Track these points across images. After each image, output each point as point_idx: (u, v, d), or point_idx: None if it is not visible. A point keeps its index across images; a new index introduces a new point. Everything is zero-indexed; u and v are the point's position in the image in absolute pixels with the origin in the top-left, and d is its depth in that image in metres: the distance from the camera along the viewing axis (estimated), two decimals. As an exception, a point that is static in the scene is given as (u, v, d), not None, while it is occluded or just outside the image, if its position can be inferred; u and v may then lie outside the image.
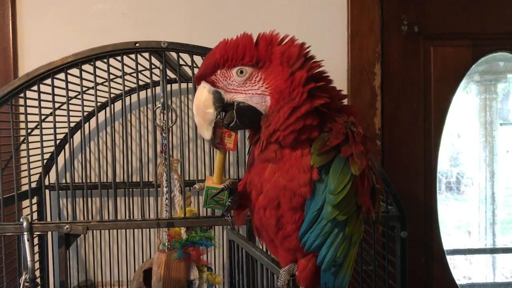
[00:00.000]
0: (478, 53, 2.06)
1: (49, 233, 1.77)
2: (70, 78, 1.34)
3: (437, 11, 2.04)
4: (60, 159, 1.86)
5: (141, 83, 1.69)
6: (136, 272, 1.67)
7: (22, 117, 1.40)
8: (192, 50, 1.35)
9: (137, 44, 1.33)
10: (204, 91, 0.93)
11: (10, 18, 1.91)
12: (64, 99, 1.38)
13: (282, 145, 0.91)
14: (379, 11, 2.01)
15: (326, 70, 0.96)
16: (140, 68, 1.40)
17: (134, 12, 1.97)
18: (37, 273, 1.71)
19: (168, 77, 1.60)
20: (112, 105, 1.39)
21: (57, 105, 1.36)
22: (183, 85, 1.58)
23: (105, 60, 1.35)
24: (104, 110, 1.79)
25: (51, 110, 1.37)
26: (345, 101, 1.00)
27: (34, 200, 1.70)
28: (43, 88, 1.34)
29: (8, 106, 1.32)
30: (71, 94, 1.35)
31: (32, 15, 1.95)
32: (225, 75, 0.92)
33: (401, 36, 2.04)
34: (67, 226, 1.31)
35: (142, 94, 1.82)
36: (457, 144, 2.78)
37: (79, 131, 1.79)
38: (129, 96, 1.85)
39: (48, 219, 1.80)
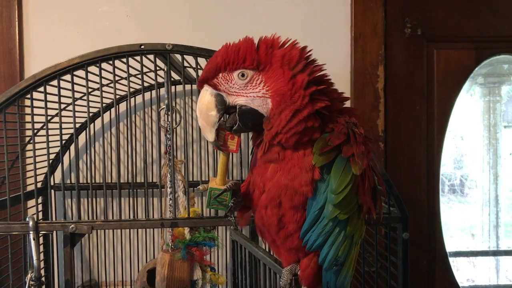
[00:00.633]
0: (481, 56, 2.06)
1: (54, 233, 1.78)
2: (75, 80, 1.36)
3: (440, 13, 2.05)
4: (66, 160, 1.87)
5: (145, 84, 1.70)
6: (139, 272, 1.68)
7: (28, 118, 1.41)
8: (197, 52, 1.36)
9: (142, 46, 1.34)
10: (206, 94, 0.95)
11: (17, 20, 1.93)
12: (69, 100, 1.39)
13: (285, 147, 0.92)
14: (383, 13, 2.01)
15: (329, 72, 0.97)
16: (145, 70, 1.41)
17: (138, 14, 1.98)
18: (42, 272, 1.73)
19: (172, 79, 1.61)
20: (117, 106, 1.40)
21: (63, 106, 1.37)
22: (187, 87, 1.59)
23: (111, 62, 1.36)
24: (109, 111, 1.81)
25: (57, 111, 1.38)
26: (348, 103, 1.01)
27: (40, 200, 1.72)
28: (49, 89, 1.35)
29: (15, 107, 1.34)
30: (77, 95, 1.37)
31: (38, 17, 1.97)
32: (226, 78, 0.94)
33: (405, 38, 2.05)
34: (72, 225, 1.32)
35: (147, 95, 1.84)
36: (461, 147, 2.77)
37: (85, 131, 1.81)
38: (134, 98, 1.87)
39: (53, 219, 1.81)
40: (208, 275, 1.56)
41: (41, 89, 1.34)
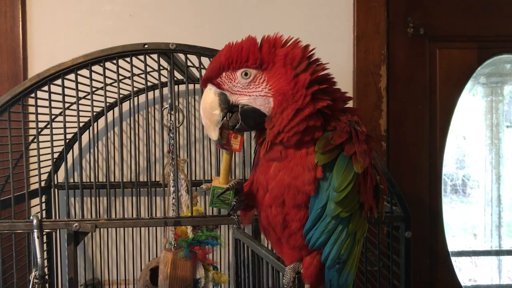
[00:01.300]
0: (483, 56, 2.06)
1: (58, 231, 1.79)
2: (79, 79, 1.36)
3: (443, 13, 2.05)
4: (69, 159, 1.88)
5: (149, 84, 1.71)
6: (143, 270, 1.69)
7: (32, 117, 1.42)
8: (200, 51, 1.36)
9: (145, 46, 1.35)
10: (210, 93, 0.96)
11: (21, 20, 1.94)
12: (73, 100, 1.40)
13: (286, 146, 0.93)
14: (385, 13, 2.02)
15: (332, 72, 0.97)
16: (148, 69, 1.42)
17: (142, 14, 1.99)
18: (46, 270, 1.73)
19: (175, 78, 1.62)
20: (120, 106, 1.41)
21: (66, 105, 1.38)
22: (191, 86, 1.60)
23: (114, 61, 1.37)
24: (112, 110, 1.82)
25: (60, 110, 1.39)
26: (350, 103, 1.02)
27: (43, 199, 1.72)
28: (53, 88, 1.36)
29: (19, 106, 1.34)
30: (81, 94, 1.37)
31: (41, 17, 1.97)
32: (230, 77, 0.94)
33: (407, 38, 2.05)
34: (76, 224, 1.33)
35: (150, 95, 1.84)
36: (463, 147, 2.77)
37: (88, 130, 1.82)
38: (137, 97, 1.88)
39: (57, 217, 1.81)
40: (211, 274, 1.56)
41: (45, 88, 1.35)
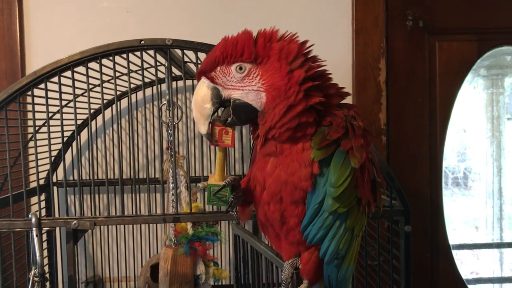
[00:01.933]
0: (483, 48, 2.05)
1: (57, 229, 1.79)
2: (76, 76, 1.36)
3: (442, 5, 2.03)
4: (68, 156, 1.87)
5: (146, 80, 1.71)
6: (143, 267, 1.69)
7: (30, 115, 1.41)
8: (197, 47, 1.35)
9: (142, 42, 1.34)
10: (203, 87, 0.95)
11: (17, 17, 1.93)
12: (71, 97, 1.39)
13: (279, 141, 0.92)
14: (384, 6, 2.00)
15: (331, 66, 0.97)
16: (145, 65, 1.41)
17: (138, 10, 1.98)
18: (46, 268, 1.74)
19: (173, 74, 1.61)
20: (118, 103, 1.40)
21: (64, 102, 1.38)
22: (188, 82, 1.59)
23: (111, 58, 1.36)
24: (110, 108, 1.81)
25: (58, 108, 1.39)
26: (349, 98, 1.01)
27: (42, 197, 1.72)
28: (50, 86, 1.35)
29: (16, 104, 1.34)
30: (78, 91, 1.37)
31: (38, 14, 1.97)
32: (224, 71, 0.94)
33: (406, 31, 2.04)
34: (75, 221, 1.33)
35: (148, 91, 1.84)
36: (464, 139, 2.76)
37: (86, 128, 1.81)
38: (135, 94, 1.87)
39: (56, 215, 1.82)
40: (211, 270, 1.56)
41: (42, 85, 1.34)
